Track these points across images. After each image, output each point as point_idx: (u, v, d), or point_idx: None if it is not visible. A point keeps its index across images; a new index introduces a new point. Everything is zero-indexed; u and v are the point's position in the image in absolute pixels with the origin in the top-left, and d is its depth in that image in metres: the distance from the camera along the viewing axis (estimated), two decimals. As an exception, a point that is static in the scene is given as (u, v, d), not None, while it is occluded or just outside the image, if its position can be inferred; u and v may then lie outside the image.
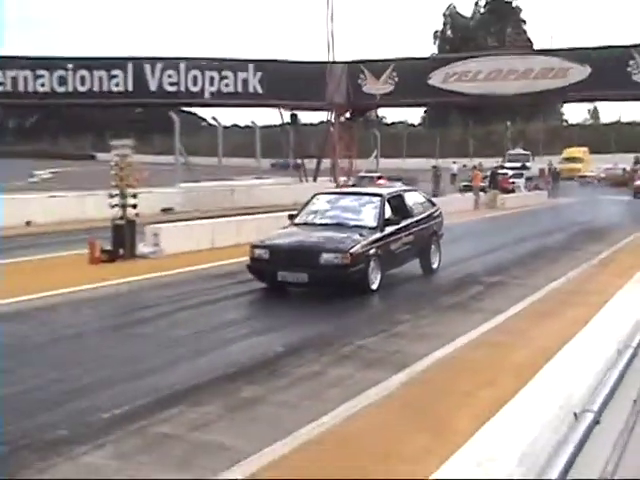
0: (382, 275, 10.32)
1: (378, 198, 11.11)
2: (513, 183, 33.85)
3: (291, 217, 11.45)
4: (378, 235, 10.47)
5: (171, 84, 31.19)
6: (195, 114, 77.17)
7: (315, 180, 31.26)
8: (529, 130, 59.45)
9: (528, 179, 36.72)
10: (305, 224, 10.95)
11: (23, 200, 20.70)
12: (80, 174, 41.33)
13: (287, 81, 31.00)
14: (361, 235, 10.24)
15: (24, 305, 9.06)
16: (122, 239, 13.12)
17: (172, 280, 11.39)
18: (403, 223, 11.15)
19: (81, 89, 30.79)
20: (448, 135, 62.80)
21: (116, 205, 13.40)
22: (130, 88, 30.85)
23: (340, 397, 5.94)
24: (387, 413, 5.66)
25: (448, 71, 30.10)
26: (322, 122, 46.96)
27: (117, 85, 30.80)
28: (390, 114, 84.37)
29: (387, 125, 77.23)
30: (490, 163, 44.10)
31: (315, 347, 7.43)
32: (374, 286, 10.15)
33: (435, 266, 12.11)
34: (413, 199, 12.17)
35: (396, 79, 31.45)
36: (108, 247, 13.11)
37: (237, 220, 16.40)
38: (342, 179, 30.53)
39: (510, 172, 35.92)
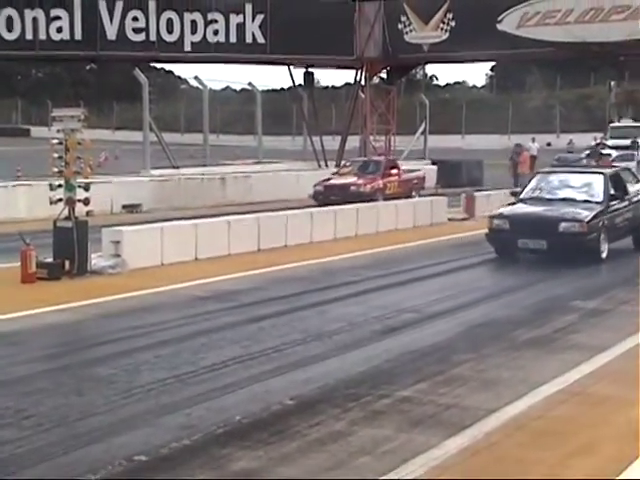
0: (608, 246, 15.31)
1: (601, 176, 16.34)
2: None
3: (514, 194, 17.17)
4: (605, 209, 15.56)
5: (137, 30, 31.40)
6: (171, 73, 77.82)
7: (338, 165, 31.31)
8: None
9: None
10: (533, 199, 16.14)
11: None
12: (6, 156, 41.69)
13: (299, 27, 31.13)
14: (591, 209, 15.29)
15: None
16: (68, 248, 13.23)
17: (138, 305, 11.48)
18: (623, 199, 16.25)
19: (6, 36, 30.95)
20: (525, 102, 62.71)
21: (60, 200, 13.51)
22: (78, 36, 31.04)
23: (373, 469, 5.95)
24: (439, 492, 5.66)
25: (526, 10, 30.06)
26: (348, 84, 47.16)
27: (59, 31, 30.98)
28: (444, 73, 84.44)
29: (440, 88, 77.34)
30: (585, 140, 43.94)
31: (331, 401, 7.47)
32: (604, 255, 15.22)
33: None
34: (627, 177, 17.27)
35: (452, 23, 31.49)
36: (48, 259, 13.21)
37: (230, 221, 16.49)
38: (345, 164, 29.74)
39: (614, 152, 35.72)
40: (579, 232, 14.85)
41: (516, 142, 35.87)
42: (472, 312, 11.32)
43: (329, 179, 26.53)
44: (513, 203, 16.41)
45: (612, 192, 16.04)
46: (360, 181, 25.80)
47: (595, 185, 16.07)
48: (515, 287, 13.32)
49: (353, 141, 35.05)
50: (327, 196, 24.65)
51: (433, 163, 35.91)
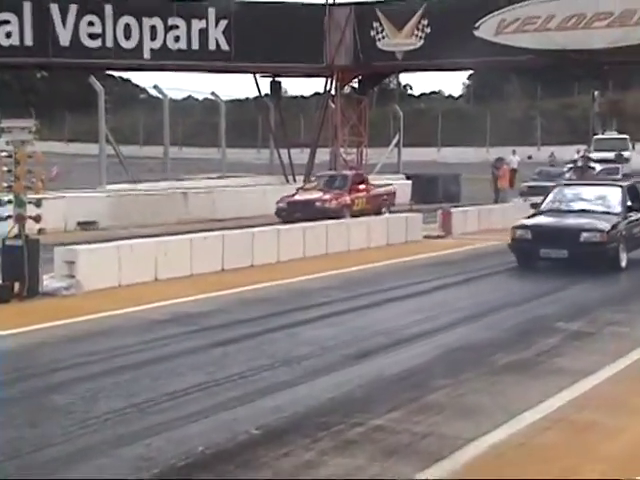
0: (627, 255, 16.91)
1: (619, 189, 18.05)
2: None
3: (534, 206, 19.50)
4: (623, 220, 17.12)
5: (92, 36, 31.32)
6: (129, 82, 77.72)
7: (307, 179, 31.37)
8: (627, 103, 59.63)
9: (627, 176, 36.82)
10: (552, 211, 17.75)
11: None
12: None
13: (265, 33, 31.23)
14: (610, 220, 16.79)
15: None
16: (18, 268, 13.14)
17: (94, 329, 11.42)
18: (639, 211, 17.85)
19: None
20: (504, 113, 63.15)
21: (9, 217, 13.44)
22: (28, 41, 30.85)
23: (345, 502, 5.96)
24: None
25: (505, 17, 30.34)
26: (318, 94, 47.21)
27: (8, 36, 30.74)
28: (419, 82, 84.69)
29: (414, 98, 77.75)
30: (568, 153, 44.27)
31: (300, 430, 7.48)
32: (623, 263, 16.78)
33: None
34: None
35: (427, 29, 31.71)
36: (-2, 280, 13.14)
37: (192, 239, 16.46)
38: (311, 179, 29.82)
39: (598, 166, 36.01)
40: (599, 242, 16.31)
41: (496, 155, 36.12)
42: (450, 335, 11.37)
43: (293, 195, 26.46)
44: (534, 215, 18.03)
45: (629, 204, 17.64)
46: (326, 197, 25.79)
47: (612, 197, 17.71)
48: (496, 308, 13.37)
49: (323, 154, 35.14)
50: (290, 213, 24.58)
51: (407, 177, 36.04)
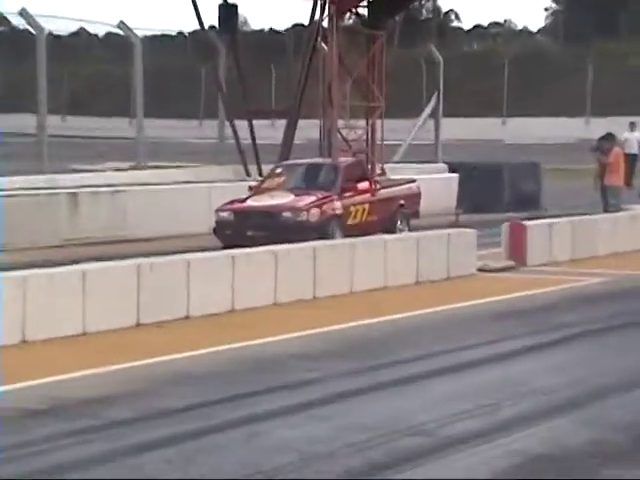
0: None
1: None
2: None
3: None
4: None
5: None
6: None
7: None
8: None
9: None
10: None
11: None
12: None
13: None
14: None
15: None
16: None
17: None
18: None
19: None
20: (616, 60, 63.50)
21: None
22: None
23: None
24: None
25: None
26: (299, 27, 47.22)
27: None
28: (470, 8, 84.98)
29: (464, 34, 78.14)
30: None
31: None
32: None
33: None
34: None
35: None
36: None
37: (85, 273, 16.46)
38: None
39: None
40: None
41: (602, 131, 36.18)
42: (524, 435, 11.42)
43: (244, 199, 26.22)
44: None
45: None
46: (300, 202, 25.41)
47: None
48: (600, 391, 13.38)
49: (309, 129, 35.24)
50: (239, 229, 24.32)
51: (452, 169, 36.17)
